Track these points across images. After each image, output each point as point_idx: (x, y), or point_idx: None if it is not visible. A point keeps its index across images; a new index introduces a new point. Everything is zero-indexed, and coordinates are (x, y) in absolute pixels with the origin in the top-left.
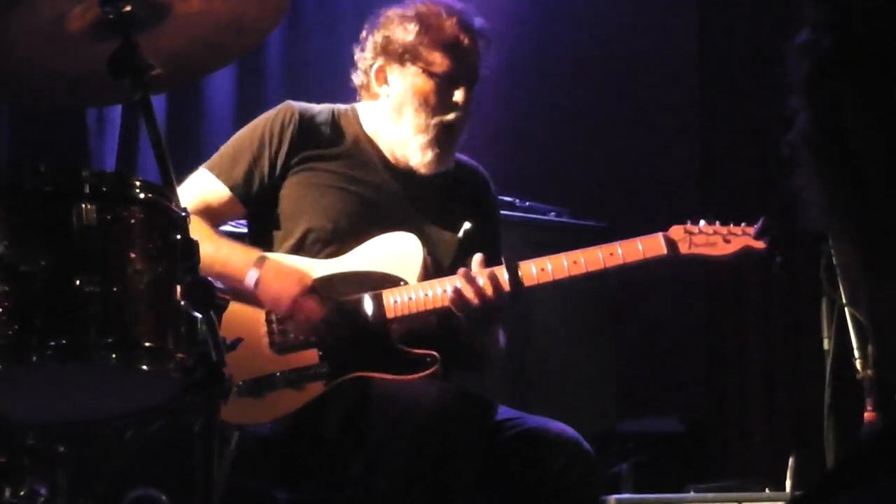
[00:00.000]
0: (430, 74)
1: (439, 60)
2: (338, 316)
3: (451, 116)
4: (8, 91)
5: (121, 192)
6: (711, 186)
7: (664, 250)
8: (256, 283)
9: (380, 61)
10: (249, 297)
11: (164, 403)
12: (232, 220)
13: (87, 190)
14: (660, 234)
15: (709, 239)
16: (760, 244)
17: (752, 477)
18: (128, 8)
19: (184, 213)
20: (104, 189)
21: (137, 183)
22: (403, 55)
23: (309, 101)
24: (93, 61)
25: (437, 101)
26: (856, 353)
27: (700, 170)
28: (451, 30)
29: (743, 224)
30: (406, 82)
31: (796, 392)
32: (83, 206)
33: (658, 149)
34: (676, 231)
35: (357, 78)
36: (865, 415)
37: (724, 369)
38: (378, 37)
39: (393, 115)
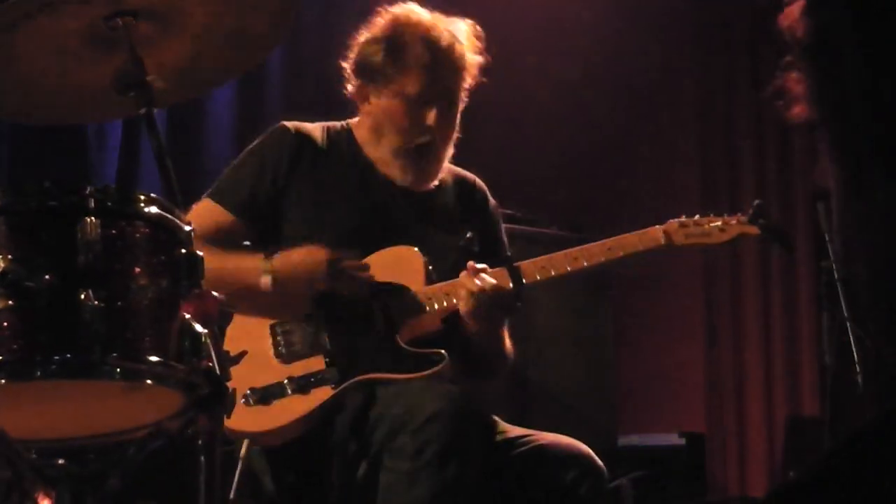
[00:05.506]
0: (402, 97)
1: (409, 81)
2: (345, 326)
3: (423, 139)
4: (12, 109)
5: (125, 207)
6: (711, 190)
7: (661, 241)
8: (275, 280)
9: (358, 82)
10: (269, 297)
11: (168, 418)
12: (240, 243)
13: (91, 205)
14: (656, 227)
15: (704, 230)
16: (755, 230)
17: (752, 492)
18: (133, 23)
19: (188, 228)
20: (109, 204)
21: (142, 198)
22: (375, 77)
23: (310, 108)
24: (97, 77)
25: (409, 124)
26: (857, 368)
27: (700, 174)
28: (419, 49)
29: (738, 214)
30: (381, 104)
31: (796, 407)
32: (88, 221)
33: (659, 157)
34: (672, 224)
35: (349, 93)
36: None
37: (723, 384)
38: (354, 57)
39: (374, 135)
